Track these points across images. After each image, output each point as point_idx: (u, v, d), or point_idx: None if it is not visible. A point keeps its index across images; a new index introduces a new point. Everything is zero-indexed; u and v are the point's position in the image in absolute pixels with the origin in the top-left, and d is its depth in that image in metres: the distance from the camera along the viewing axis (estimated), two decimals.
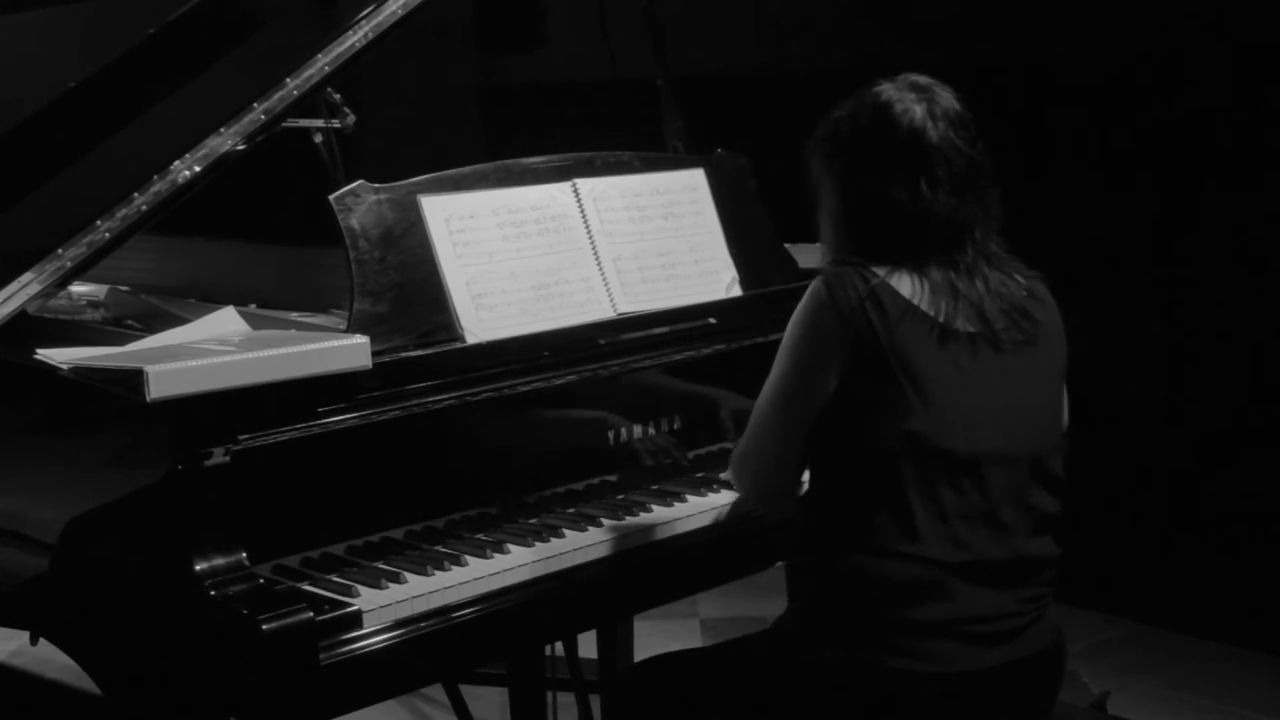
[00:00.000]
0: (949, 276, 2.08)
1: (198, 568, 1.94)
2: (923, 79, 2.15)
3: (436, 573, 2.13)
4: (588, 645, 3.14)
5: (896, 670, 2.03)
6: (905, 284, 2.07)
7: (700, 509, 2.43)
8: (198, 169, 2.26)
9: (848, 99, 2.17)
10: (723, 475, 2.56)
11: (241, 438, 2.01)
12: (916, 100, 2.11)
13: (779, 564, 2.82)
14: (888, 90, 2.13)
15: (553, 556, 2.22)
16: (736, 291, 2.71)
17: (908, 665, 2.02)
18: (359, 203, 2.29)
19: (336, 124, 2.75)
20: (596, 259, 2.54)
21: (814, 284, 2.10)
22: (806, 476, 2.23)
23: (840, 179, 2.15)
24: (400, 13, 2.41)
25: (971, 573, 2.04)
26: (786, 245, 2.90)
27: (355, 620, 2.00)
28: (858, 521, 2.07)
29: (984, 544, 2.05)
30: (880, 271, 2.08)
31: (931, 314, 2.06)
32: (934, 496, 2.03)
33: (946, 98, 2.13)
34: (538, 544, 2.25)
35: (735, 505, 2.40)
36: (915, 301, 2.06)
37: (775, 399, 2.14)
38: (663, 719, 2.26)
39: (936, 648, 2.03)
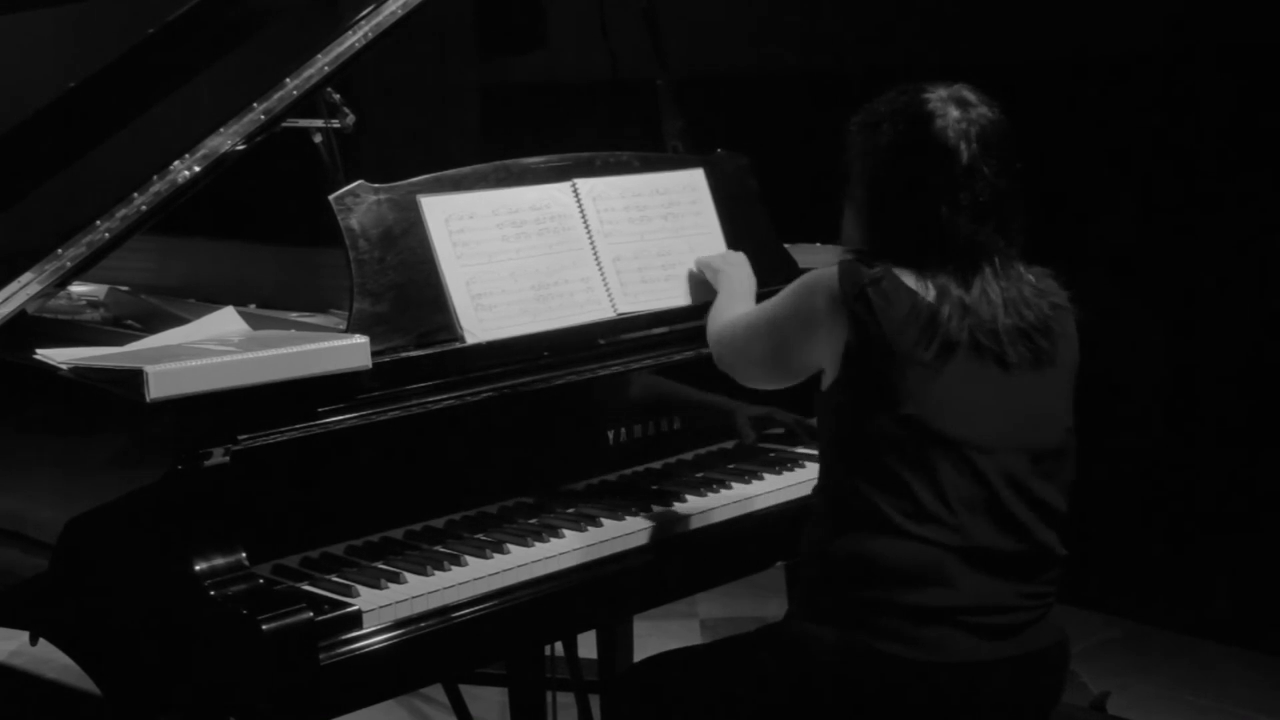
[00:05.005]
0: (960, 293, 2.08)
1: (198, 568, 1.94)
2: (972, 95, 2.12)
3: (436, 573, 2.13)
4: (588, 645, 3.14)
5: (892, 657, 2.03)
6: (910, 278, 2.09)
7: (700, 509, 2.44)
8: (198, 169, 2.26)
9: (898, 93, 2.14)
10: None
11: (241, 438, 2.01)
12: (959, 119, 2.09)
13: (779, 564, 2.82)
14: (933, 101, 2.10)
15: (552, 557, 2.22)
16: None
17: (904, 652, 2.02)
18: (359, 203, 2.29)
19: (336, 124, 2.75)
20: (596, 259, 2.54)
21: (826, 268, 2.12)
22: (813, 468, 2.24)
23: (871, 176, 2.16)
24: (400, 13, 2.40)
25: (973, 558, 2.05)
26: (786, 245, 2.90)
27: (355, 620, 2.00)
28: (862, 504, 2.07)
29: (986, 531, 2.06)
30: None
31: (936, 309, 2.06)
32: (935, 480, 2.04)
33: (988, 117, 2.11)
34: (537, 544, 2.25)
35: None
36: (920, 293, 2.07)
37: (764, 329, 2.25)
38: (666, 717, 2.26)
39: (934, 635, 2.03)
